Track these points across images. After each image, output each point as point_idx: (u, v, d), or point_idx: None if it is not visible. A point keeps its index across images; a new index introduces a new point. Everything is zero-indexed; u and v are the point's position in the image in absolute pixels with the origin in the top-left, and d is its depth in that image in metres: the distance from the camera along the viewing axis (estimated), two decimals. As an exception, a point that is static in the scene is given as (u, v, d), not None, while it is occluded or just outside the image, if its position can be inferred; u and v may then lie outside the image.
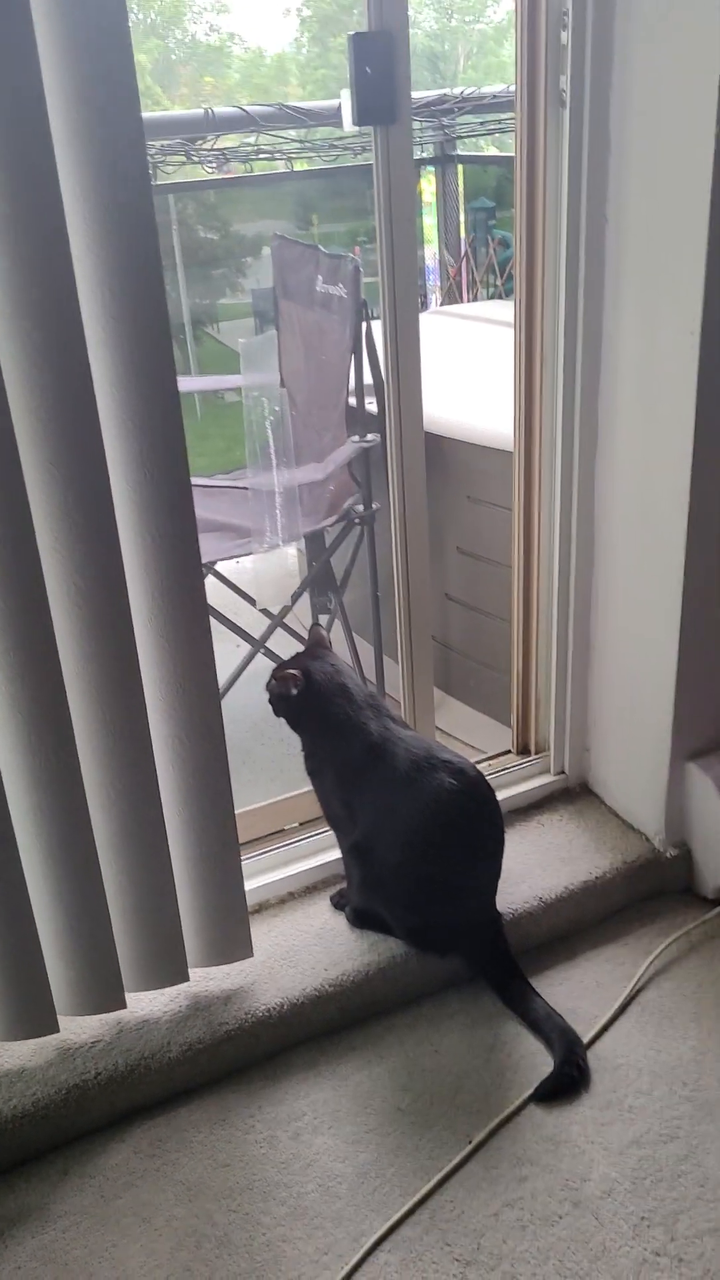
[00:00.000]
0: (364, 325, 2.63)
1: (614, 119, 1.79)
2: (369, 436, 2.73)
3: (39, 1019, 1.72)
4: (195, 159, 3.33)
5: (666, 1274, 1.47)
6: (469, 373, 3.06)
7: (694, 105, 1.63)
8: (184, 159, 3.35)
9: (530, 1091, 1.73)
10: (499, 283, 4.29)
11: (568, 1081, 1.73)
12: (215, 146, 3.36)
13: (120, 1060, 1.74)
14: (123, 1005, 1.77)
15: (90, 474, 1.47)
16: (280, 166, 3.76)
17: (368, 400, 2.74)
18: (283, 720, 1.93)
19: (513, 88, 1.92)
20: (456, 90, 3.78)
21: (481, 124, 4.10)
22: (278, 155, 3.55)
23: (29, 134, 1.31)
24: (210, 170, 3.48)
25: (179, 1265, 1.53)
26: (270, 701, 1.91)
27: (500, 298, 4.51)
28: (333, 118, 3.37)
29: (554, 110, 1.85)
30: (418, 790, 1.81)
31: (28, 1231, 1.59)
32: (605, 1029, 1.84)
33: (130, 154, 1.36)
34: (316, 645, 1.97)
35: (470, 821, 1.85)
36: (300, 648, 1.99)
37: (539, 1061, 1.79)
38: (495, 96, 3.68)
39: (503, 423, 2.43)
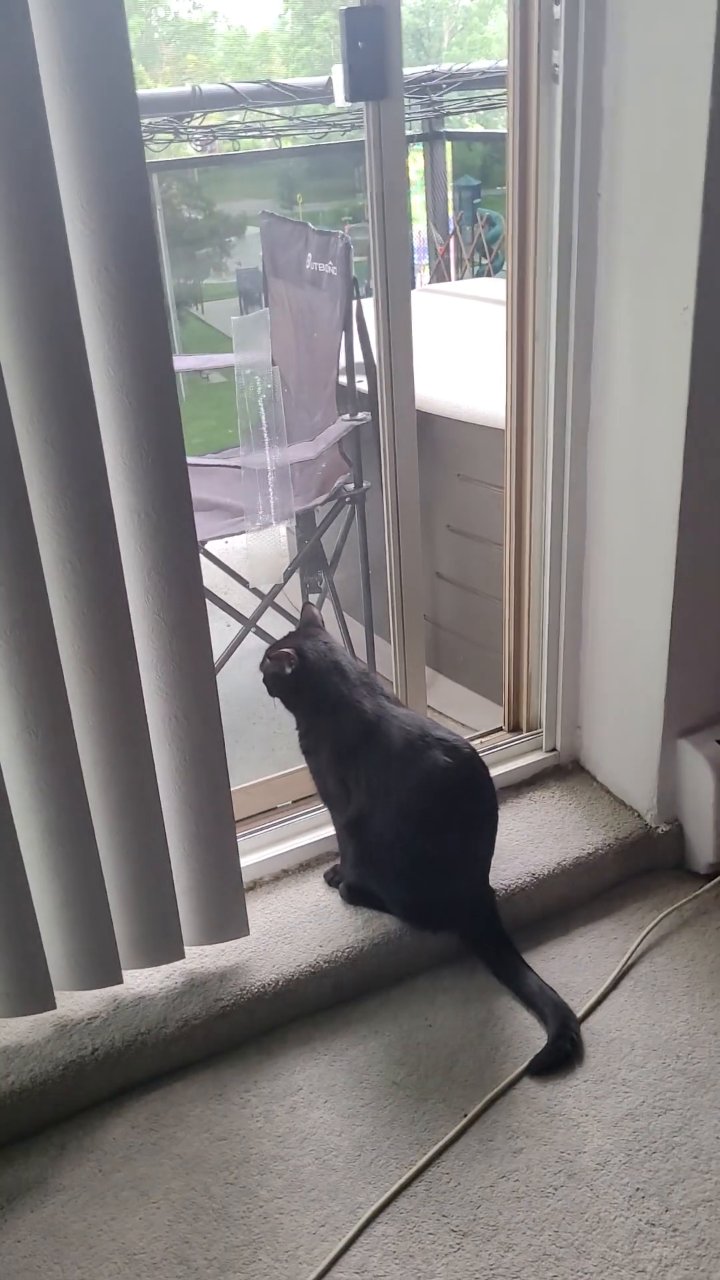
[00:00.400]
0: (354, 303, 2.62)
1: (607, 94, 1.79)
2: (360, 415, 2.72)
3: (36, 995, 1.73)
4: (183, 136, 3.30)
5: (661, 1244, 1.49)
6: (458, 351, 3.05)
7: (688, 79, 1.63)
8: (171, 136, 3.32)
9: (524, 1065, 1.75)
10: (488, 261, 4.28)
11: (562, 1055, 1.75)
12: (203, 124, 3.34)
13: (117, 1036, 1.75)
14: (119, 981, 1.78)
15: (86, 453, 1.47)
16: (268, 144, 3.74)
17: (358, 378, 2.74)
18: (276, 699, 1.94)
19: (501, 63, 1.91)
20: (444, 67, 3.75)
21: (470, 101, 4.08)
22: (266, 132, 3.52)
23: (23, 112, 1.30)
24: (198, 149, 3.45)
25: (177, 1237, 1.55)
26: (264, 681, 1.92)
27: (488, 275, 4.50)
28: (321, 94, 3.35)
29: (547, 85, 1.84)
30: (412, 768, 1.81)
31: (27, 1205, 1.60)
32: (598, 1003, 1.86)
33: (125, 131, 1.35)
34: (309, 624, 1.97)
35: (464, 799, 1.86)
36: (291, 626, 1.99)
37: (532, 1036, 1.81)
38: (484, 73, 3.66)
39: (493, 401, 2.43)
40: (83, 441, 1.47)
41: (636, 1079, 1.73)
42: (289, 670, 1.86)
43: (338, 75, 1.75)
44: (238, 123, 3.45)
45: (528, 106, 1.87)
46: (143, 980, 1.83)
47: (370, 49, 1.72)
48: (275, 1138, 1.68)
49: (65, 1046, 1.73)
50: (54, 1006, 1.75)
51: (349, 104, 1.75)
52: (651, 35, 1.69)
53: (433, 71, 3.75)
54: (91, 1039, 1.74)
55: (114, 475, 1.52)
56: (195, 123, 3.33)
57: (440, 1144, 1.64)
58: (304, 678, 1.87)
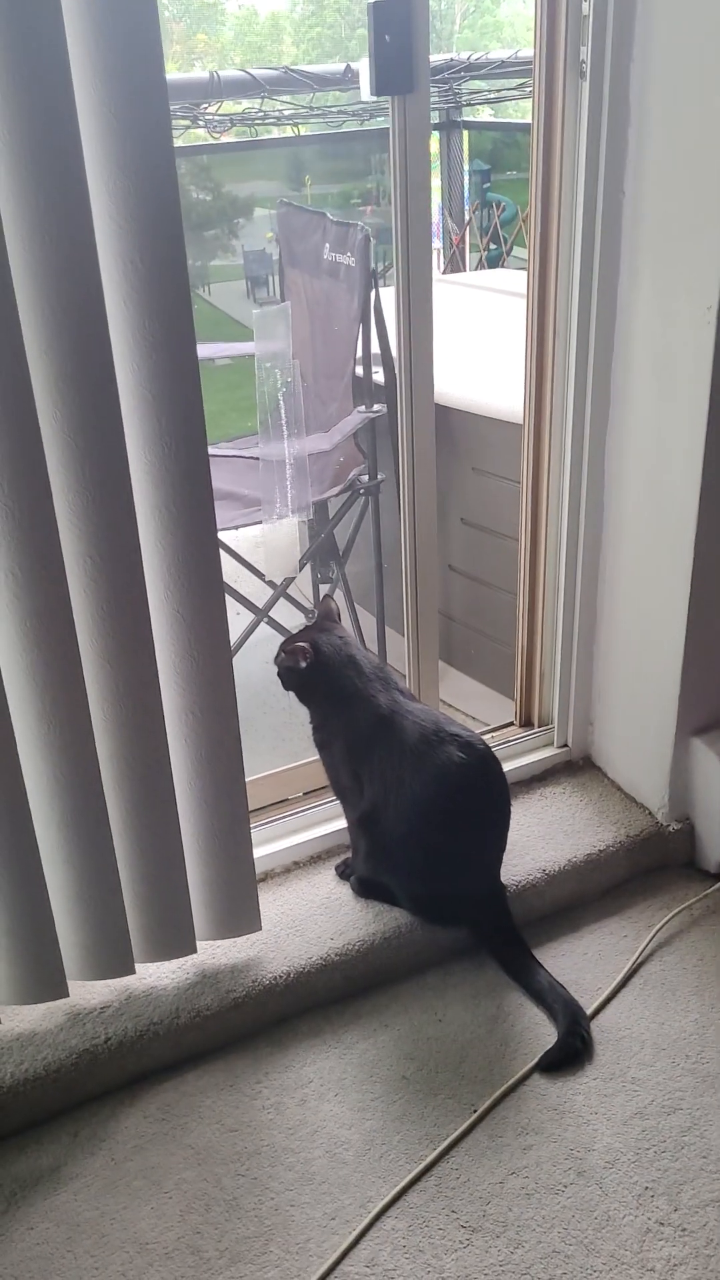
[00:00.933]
0: (373, 294, 2.62)
1: (634, 91, 1.78)
2: (375, 406, 2.72)
3: (49, 983, 1.74)
4: (201, 124, 3.28)
5: (670, 1244, 1.50)
6: (474, 343, 3.04)
7: (717, 78, 1.62)
8: (189, 124, 3.30)
9: (534, 1062, 1.76)
10: (505, 249, 4.26)
11: (571, 1052, 1.76)
12: (220, 112, 3.31)
13: (130, 1025, 1.75)
14: (131, 971, 1.79)
15: (109, 446, 1.47)
16: (286, 131, 3.71)
17: (374, 370, 2.73)
18: (289, 693, 1.94)
19: (521, 52, 1.90)
20: (463, 55, 3.73)
21: (490, 91, 4.05)
22: (285, 121, 3.50)
23: (53, 105, 1.29)
24: (217, 136, 3.43)
25: (189, 1228, 1.56)
26: (279, 675, 1.92)
27: (502, 261, 4.49)
28: (339, 82, 3.32)
29: (573, 81, 1.83)
30: (426, 763, 1.82)
31: (39, 1193, 1.62)
32: (608, 1001, 1.87)
33: (154, 125, 1.35)
34: (325, 618, 1.97)
35: (478, 794, 1.86)
36: (302, 617, 1.99)
37: (542, 1032, 1.82)
38: (503, 62, 3.63)
39: (509, 395, 2.42)
40: (105, 436, 1.47)
41: (646, 1078, 1.74)
42: (304, 664, 1.86)
43: (364, 68, 1.74)
44: (255, 111, 3.43)
45: (553, 102, 1.86)
46: (154, 972, 1.84)
47: (397, 42, 1.71)
48: (286, 1130, 1.69)
49: (78, 1035, 1.74)
50: (66, 994, 1.76)
51: (375, 98, 1.74)
52: (680, 33, 1.68)
53: (451, 60, 3.73)
54: (104, 1028, 1.75)
55: (135, 470, 1.52)
56: (212, 110, 3.31)
57: (450, 1139, 1.65)
58: (319, 672, 1.87)
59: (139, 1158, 1.66)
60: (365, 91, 1.73)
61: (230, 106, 3.37)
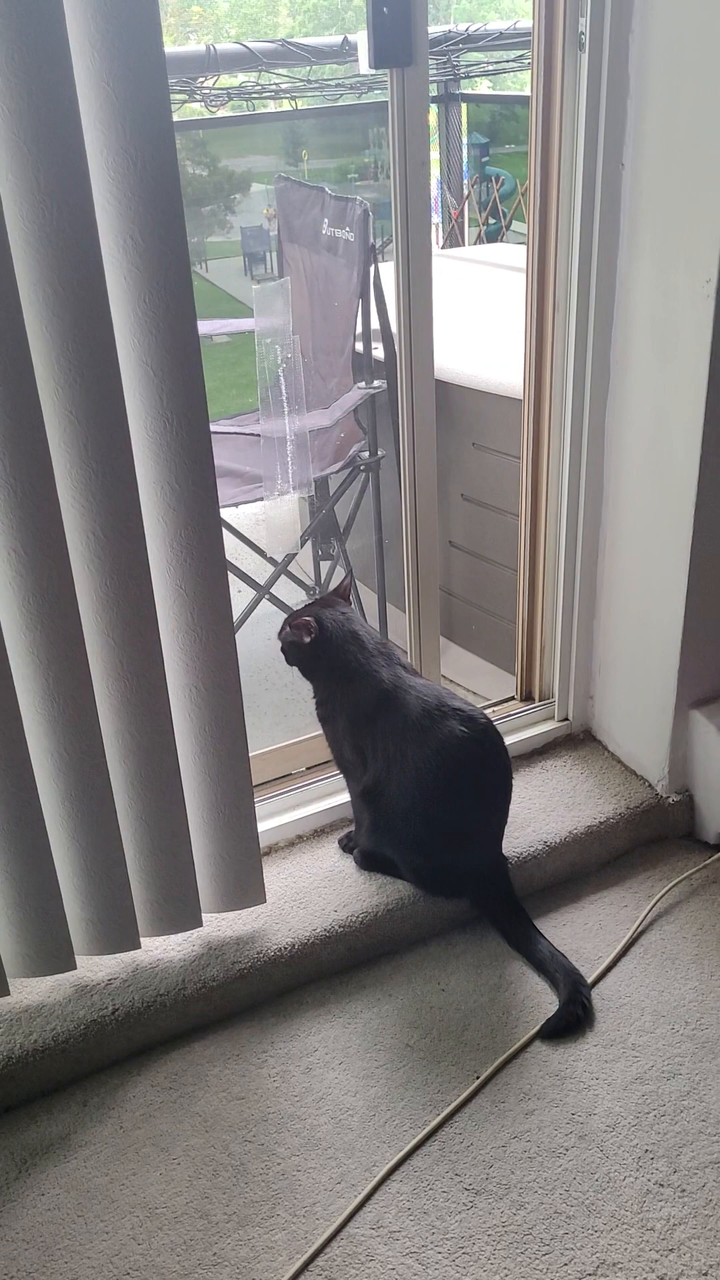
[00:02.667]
0: (372, 270, 2.61)
1: (633, 63, 1.77)
2: (375, 382, 2.72)
3: (57, 956, 1.76)
4: (197, 98, 3.26)
5: (669, 1204, 1.53)
6: (473, 318, 3.04)
7: (716, 51, 1.62)
8: (186, 98, 3.28)
9: (536, 1029, 1.78)
10: (504, 224, 4.25)
11: (573, 1020, 1.78)
12: (217, 85, 3.29)
13: (136, 997, 1.78)
14: (137, 946, 1.81)
15: (110, 422, 1.48)
16: (281, 105, 3.69)
17: (374, 346, 2.73)
18: (291, 668, 1.95)
19: (517, 23, 1.89)
20: (461, 28, 3.70)
21: (488, 63, 4.02)
22: (282, 94, 3.48)
23: (51, 79, 1.29)
24: (214, 110, 3.41)
25: (197, 1193, 1.59)
26: (283, 650, 1.93)
27: (501, 235, 4.47)
28: (336, 55, 3.30)
29: (572, 53, 1.82)
30: (429, 737, 1.83)
31: (50, 1160, 1.64)
32: (608, 970, 1.89)
33: (153, 100, 1.35)
34: (333, 594, 1.98)
35: (480, 768, 1.88)
36: (303, 594, 2.00)
37: (543, 1001, 1.84)
38: (501, 34, 3.60)
39: (508, 370, 2.43)
40: (106, 412, 1.47)
41: (646, 1044, 1.76)
42: (307, 639, 1.88)
43: (362, 41, 1.73)
44: (253, 84, 3.41)
45: (552, 74, 1.85)
46: (160, 945, 1.86)
47: (396, 14, 1.71)
48: (292, 1097, 1.71)
49: (85, 1006, 1.77)
50: (74, 967, 1.79)
51: (372, 70, 1.74)
52: (679, 3, 1.68)
53: (449, 32, 3.70)
54: (111, 999, 1.77)
55: (137, 446, 1.53)
56: (209, 83, 3.29)
57: (453, 1105, 1.68)
58: (322, 647, 1.89)
59: (147, 1125, 1.69)
60: (364, 64, 1.72)
61: (227, 80, 3.35)
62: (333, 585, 2.04)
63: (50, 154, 1.32)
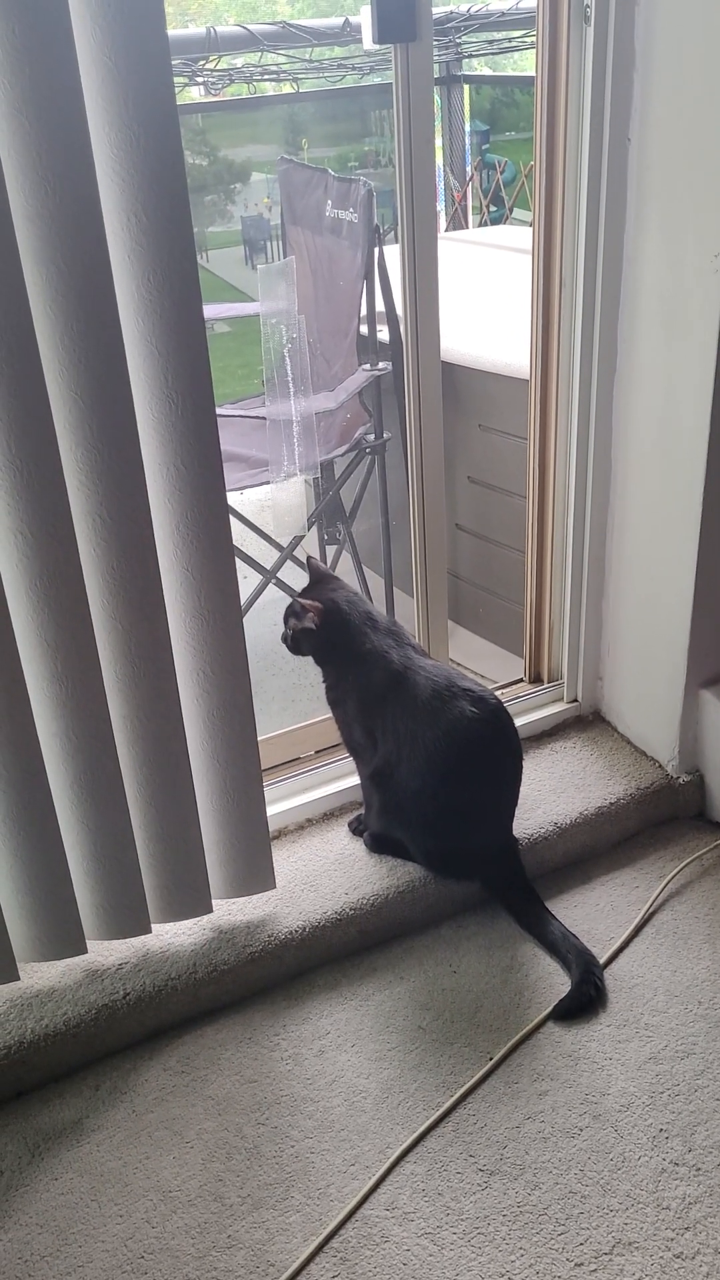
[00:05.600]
0: (376, 251, 2.60)
1: (639, 36, 1.75)
2: (380, 364, 2.70)
3: (68, 940, 1.75)
4: (198, 80, 3.24)
5: (684, 1183, 1.53)
6: (479, 300, 3.02)
7: (723, 22, 1.60)
8: (186, 81, 3.26)
9: (549, 1010, 1.78)
10: (506, 209, 4.22)
11: (585, 1000, 1.78)
12: (217, 67, 3.28)
13: (148, 981, 1.78)
14: (148, 930, 1.81)
15: (116, 403, 1.47)
16: (282, 88, 3.66)
17: (379, 328, 2.71)
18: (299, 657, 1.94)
19: (521, 2, 1.87)
20: (464, 8, 3.67)
21: (491, 43, 3.99)
22: (284, 76, 3.46)
23: (54, 56, 1.28)
24: (215, 94, 3.39)
25: (211, 1175, 1.59)
26: (292, 639, 1.91)
27: (504, 222, 4.44)
28: (337, 36, 3.28)
29: (577, 27, 1.81)
30: (439, 718, 1.83)
31: (63, 1145, 1.64)
32: (621, 950, 1.89)
33: (156, 75, 1.34)
34: (324, 577, 1.96)
35: (490, 749, 1.87)
36: (308, 578, 1.99)
37: (556, 982, 1.84)
38: (504, 14, 3.58)
39: (515, 350, 2.41)
40: (112, 393, 1.46)
41: (659, 1024, 1.76)
42: (315, 625, 1.87)
43: (365, 16, 1.72)
44: (253, 66, 3.39)
45: (557, 49, 1.83)
46: (170, 930, 1.86)
47: (399, -11, 1.69)
48: (305, 1080, 1.71)
49: (97, 991, 1.76)
50: (85, 951, 1.78)
51: (376, 46, 1.72)
52: (685, -26, 1.66)
53: (451, 13, 3.67)
54: (123, 984, 1.77)
55: (143, 427, 1.52)
56: (209, 65, 3.27)
57: (466, 1086, 1.68)
58: (332, 630, 1.88)
59: (160, 1109, 1.69)
60: (367, 40, 1.71)
61: (228, 62, 3.32)
62: (335, 569, 2.02)
63: (52, 131, 1.31)
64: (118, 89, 1.33)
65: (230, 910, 1.90)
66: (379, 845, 2.00)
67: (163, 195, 1.39)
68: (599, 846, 2.10)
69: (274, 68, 3.39)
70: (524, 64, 4.78)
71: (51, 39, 1.27)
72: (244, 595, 2.81)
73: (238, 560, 2.70)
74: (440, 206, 4.60)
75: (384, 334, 2.73)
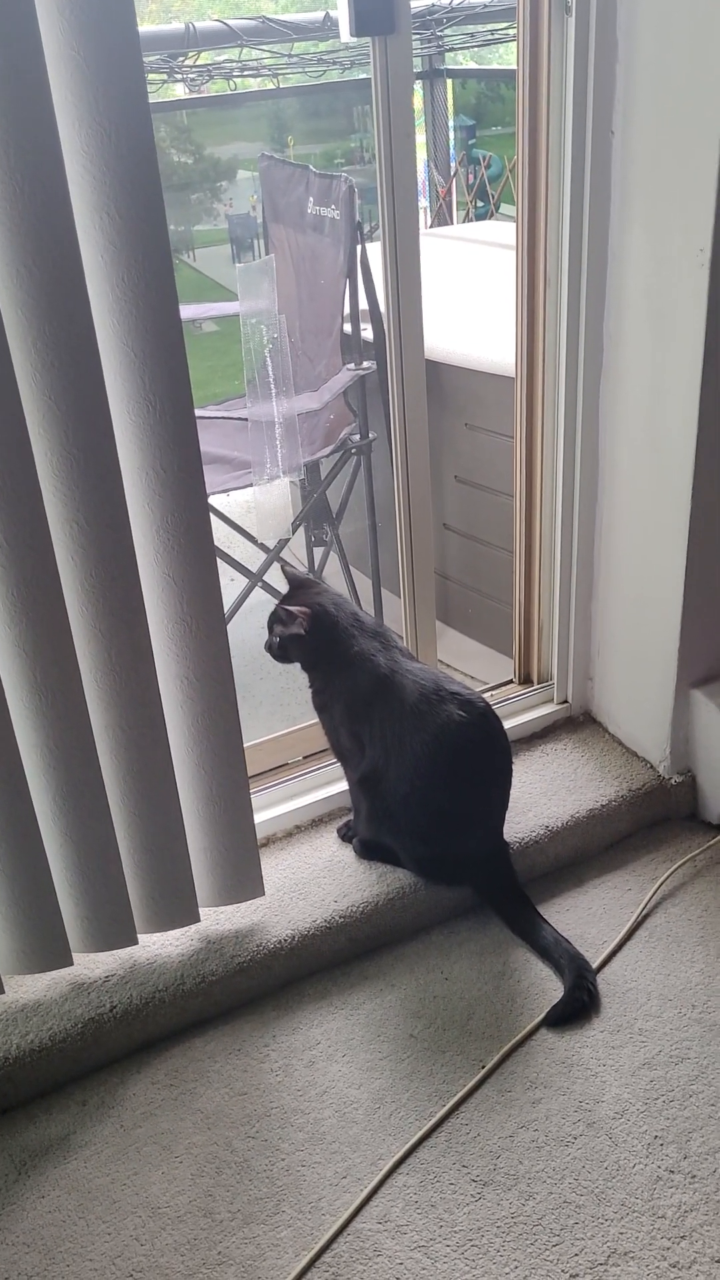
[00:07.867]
0: (359, 248, 2.57)
1: (622, 26, 1.73)
2: (364, 364, 2.68)
3: (52, 952, 1.73)
4: (178, 76, 3.21)
5: (680, 1190, 1.50)
6: (463, 297, 3.00)
7: (706, 12, 1.58)
8: (165, 77, 3.23)
9: (541, 1017, 1.75)
10: (492, 203, 4.19)
11: (578, 1006, 1.75)
12: (197, 63, 3.24)
13: (134, 993, 1.75)
14: (134, 941, 1.78)
15: (91, 407, 1.44)
16: (262, 84, 3.63)
17: (362, 326, 2.69)
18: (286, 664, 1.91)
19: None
20: (444, 1, 3.64)
21: (472, 36, 3.96)
22: (264, 71, 3.43)
23: (21, 51, 1.25)
24: (198, 90, 3.36)
25: (200, 1191, 1.56)
26: (279, 647, 1.88)
27: (489, 218, 4.42)
28: (318, 30, 3.25)
29: (558, 18, 1.78)
30: (427, 722, 1.80)
31: (50, 1161, 1.62)
32: (613, 954, 1.86)
33: (128, 71, 1.31)
34: (304, 583, 1.93)
35: (479, 752, 1.85)
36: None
37: (548, 987, 1.81)
38: (485, 6, 3.55)
39: (500, 348, 2.39)
40: (87, 396, 1.43)
41: (653, 1029, 1.73)
42: (303, 631, 1.84)
43: (342, 9, 1.69)
44: (234, 62, 3.35)
45: (538, 41, 1.81)
46: (157, 940, 1.83)
47: (376, -19, 1.66)
48: (295, 1091, 1.68)
49: (83, 1004, 1.74)
50: (70, 963, 1.75)
51: (354, 40, 1.69)
52: (667, -37, 1.64)
53: (433, 5, 3.64)
54: (109, 997, 1.74)
55: (120, 430, 1.49)
56: (189, 62, 3.24)
57: (459, 1095, 1.65)
58: (320, 635, 1.85)
59: (148, 1124, 1.66)
60: (344, 33, 1.68)
61: (209, 57, 3.29)
62: (321, 572, 1.99)
63: (19, 128, 1.28)
64: (87, 84, 1.30)
65: (218, 919, 1.87)
66: (368, 851, 1.98)
67: (136, 192, 1.36)
68: (591, 849, 2.08)
69: (254, 63, 3.36)
70: (509, 58, 4.74)
71: (16, 33, 1.24)
72: (230, 599, 2.78)
73: (223, 564, 2.69)
74: (425, 202, 4.57)
75: (368, 332, 2.70)
